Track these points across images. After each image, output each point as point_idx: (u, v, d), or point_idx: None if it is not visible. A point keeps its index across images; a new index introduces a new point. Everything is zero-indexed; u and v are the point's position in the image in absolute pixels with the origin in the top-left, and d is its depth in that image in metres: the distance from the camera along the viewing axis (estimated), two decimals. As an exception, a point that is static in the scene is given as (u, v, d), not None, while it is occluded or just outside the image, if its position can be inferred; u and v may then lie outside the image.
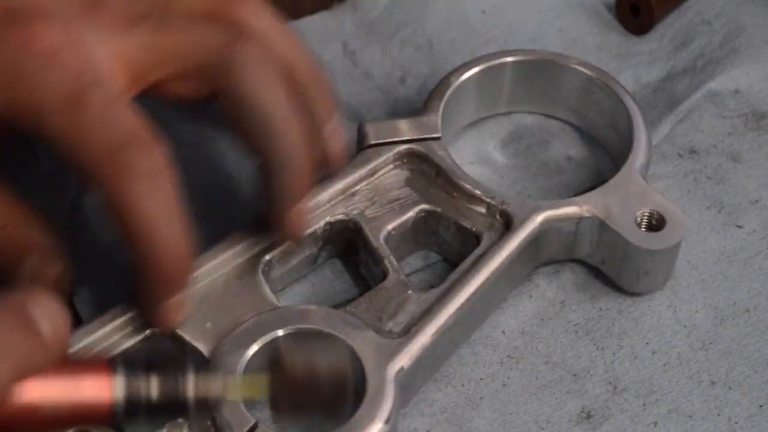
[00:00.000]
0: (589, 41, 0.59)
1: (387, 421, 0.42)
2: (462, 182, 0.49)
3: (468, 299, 0.46)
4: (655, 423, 0.46)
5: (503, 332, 0.49)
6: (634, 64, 0.59)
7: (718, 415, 0.46)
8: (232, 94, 0.43)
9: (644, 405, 0.47)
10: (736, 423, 0.46)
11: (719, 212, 0.53)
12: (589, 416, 0.46)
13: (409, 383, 0.45)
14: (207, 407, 0.36)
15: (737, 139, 0.56)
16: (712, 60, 0.58)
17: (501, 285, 0.48)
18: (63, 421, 0.35)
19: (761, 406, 0.47)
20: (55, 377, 0.35)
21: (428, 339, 0.45)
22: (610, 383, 0.47)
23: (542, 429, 0.46)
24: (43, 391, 0.35)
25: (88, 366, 0.36)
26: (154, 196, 0.40)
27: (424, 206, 0.49)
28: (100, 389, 0.35)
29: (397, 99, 0.56)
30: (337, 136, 0.47)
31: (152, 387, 0.35)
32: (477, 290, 0.46)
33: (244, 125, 0.43)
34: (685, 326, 0.49)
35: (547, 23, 0.60)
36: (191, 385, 0.36)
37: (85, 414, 0.35)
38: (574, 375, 0.47)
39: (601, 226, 0.48)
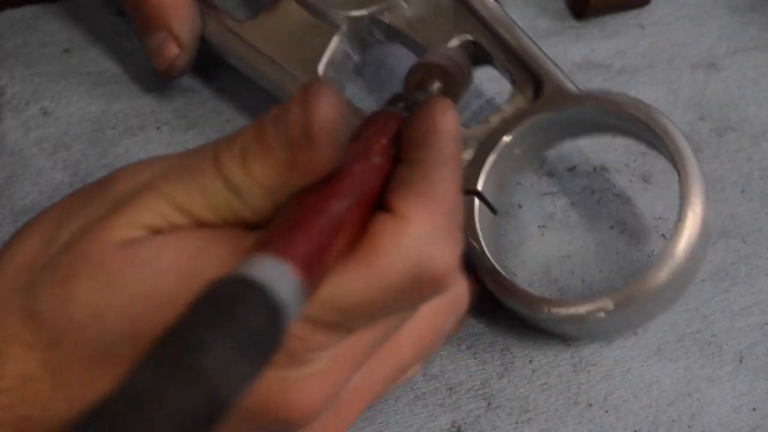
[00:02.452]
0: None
1: None
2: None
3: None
4: (525, 443, 0.47)
5: (386, 339, 0.50)
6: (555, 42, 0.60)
7: (590, 438, 0.48)
8: None
9: (516, 423, 0.48)
10: (606, 448, 0.48)
11: (621, 233, 0.54)
12: (458, 431, 0.47)
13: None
14: None
15: (651, 160, 0.57)
16: (628, 68, 0.60)
17: None
18: None
19: (636, 431, 0.48)
20: None
21: None
22: (485, 399, 0.48)
23: (411, 440, 0.47)
24: None
25: None
26: None
27: None
28: None
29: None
30: None
31: None
32: None
33: None
34: (569, 346, 0.50)
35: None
36: None
37: None
38: (450, 388, 0.49)
39: None
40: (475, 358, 0.50)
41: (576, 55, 0.60)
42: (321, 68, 0.54)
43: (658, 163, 0.57)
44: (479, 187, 0.50)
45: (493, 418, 0.48)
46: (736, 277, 0.53)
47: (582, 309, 0.47)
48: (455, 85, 0.47)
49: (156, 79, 0.58)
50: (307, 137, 0.35)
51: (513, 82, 0.52)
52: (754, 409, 0.50)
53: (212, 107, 0.57)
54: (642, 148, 0.57)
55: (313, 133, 0.35)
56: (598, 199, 0.55)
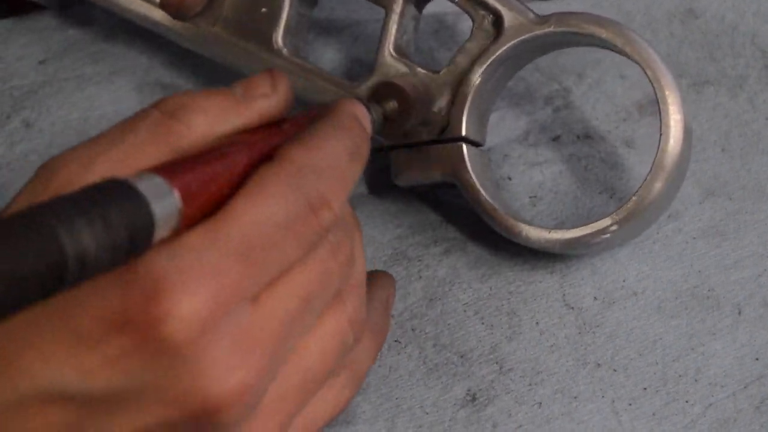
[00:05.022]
0: None
1: None
2: None
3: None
4: (540, 404, 0.48)
5: (392, 316, 0.50)
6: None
7: (602, 396, 0.49)
8: None
9: (530, 385, 0.49)
10: (619, 405, 0.49)
11: (611, 198, 0.56)
12: (474, 398, 0.48)
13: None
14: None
15: (632, 125, 0.59)
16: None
17: None
18: None
19: (645, 388, 0.49)
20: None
21: None
22: (496, 363, 0.49)
23: (427, 413, 0.48)
24: None
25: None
26: None
27: None
28: None
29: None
30: None
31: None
32: None
33: None
34: (572, 308, 0.51)
35: None
36: None
37: None
38: (462, 356, 0.49)
39: None
40: (482, 323, 0.51)
41: (549, 9, 0.61)
42: (279, 39, 0.55)
43: (639, 128, 0.58)
44: (463, 132, 0.51)
45: (506, 382, 0.49)
46: (725, 233, 0.54)
47: (584, 231, 0.50)
48: (410, 110, 0.49)
49: (134, 78, 0.59)
50: (273, 86, 0.42)
51: (473, 19, 0.53)
52: (757, 359, 0.51)
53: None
54: (622, 114, 0.59)
55: (277, 84, 0.43)
56: (585, 167, 0.57)
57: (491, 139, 0.57)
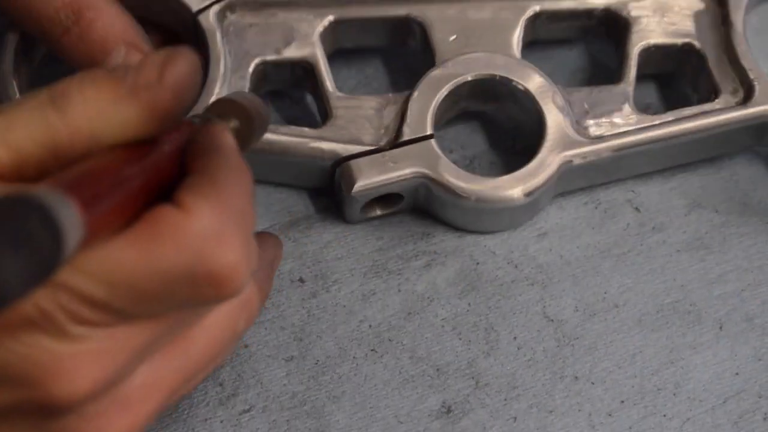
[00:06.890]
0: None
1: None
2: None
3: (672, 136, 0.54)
4: (515, 418, 0.49)
5: (369, 326, 0.51)
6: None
7: (579, 410, 0.49)
8: None
9: (505, 400, 0.49)
10: (596, 418, 0.49)
11: (596, 208, 0.56)
12: (449, 411, 0.49)
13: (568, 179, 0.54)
14: None
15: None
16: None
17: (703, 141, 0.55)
18: None
19: (623, 401, 0.50)
20: None
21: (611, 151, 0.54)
22: (472, 378, 0.50)
23: (401, 423, 0.48)
24: None
25: None
26: None
27: None
28: None
29: None
30: None
31: None
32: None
33: None
34: (552, 321, 0.52)
35: None
36: None
37: None
38: (437, 369, 0.50)
39: None
40: (460, 338, 0.51)
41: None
42: None
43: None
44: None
45: (482, 396, 0.49)
46: (710, 246, 0.55)
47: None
48: (251, 129, 0.46)
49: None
50: (160, 79, 0.39)
51: None
52: (737, 374, 0.51)
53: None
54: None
55: (165, 77, 0.39)
56: (571, 176, 0.57)
57: (477, 146, 0.57)
